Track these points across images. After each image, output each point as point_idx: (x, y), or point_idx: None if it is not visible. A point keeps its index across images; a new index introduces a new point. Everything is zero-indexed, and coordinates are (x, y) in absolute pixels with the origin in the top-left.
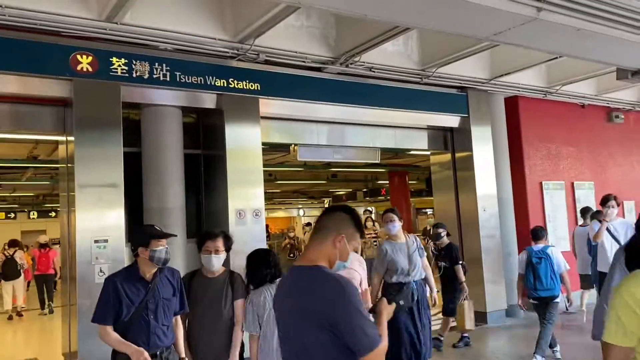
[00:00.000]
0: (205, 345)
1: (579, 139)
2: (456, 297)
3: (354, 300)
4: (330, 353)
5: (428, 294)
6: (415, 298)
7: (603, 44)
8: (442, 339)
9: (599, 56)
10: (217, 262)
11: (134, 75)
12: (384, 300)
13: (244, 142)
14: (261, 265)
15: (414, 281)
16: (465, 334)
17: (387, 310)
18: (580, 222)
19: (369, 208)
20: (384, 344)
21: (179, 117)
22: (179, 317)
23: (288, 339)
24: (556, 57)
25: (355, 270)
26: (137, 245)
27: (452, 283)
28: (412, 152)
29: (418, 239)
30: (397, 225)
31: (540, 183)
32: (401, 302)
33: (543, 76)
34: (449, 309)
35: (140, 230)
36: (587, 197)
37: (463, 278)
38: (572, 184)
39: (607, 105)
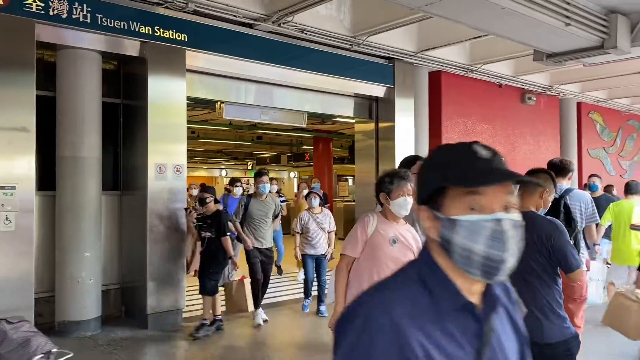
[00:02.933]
0: None
1: (494, 117)
2: (218, 273)
3: (566, 234)
4: (546, 270)
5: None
6: None
7: (524, 24)
8: (206, 322)
9: (520, 36)
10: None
11: (51, 13)
12: None
13: (167, 94)
14: None
15: None
16: (218, 316)
17: None
18: None
19: (264, 169)
20: (582, 267)
21: (98, 62)
22: None
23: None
24: (480, 36)
25: (411, 249)
26: (424, 193)
27: (217, 257)
28: (337, 119)
29: None
30: None
31: None
32: None
33: (466, 54)
34: (211, 287)
35: (445, 154)
36: None
37: (232, 252)
38: None
39: (522, 87)
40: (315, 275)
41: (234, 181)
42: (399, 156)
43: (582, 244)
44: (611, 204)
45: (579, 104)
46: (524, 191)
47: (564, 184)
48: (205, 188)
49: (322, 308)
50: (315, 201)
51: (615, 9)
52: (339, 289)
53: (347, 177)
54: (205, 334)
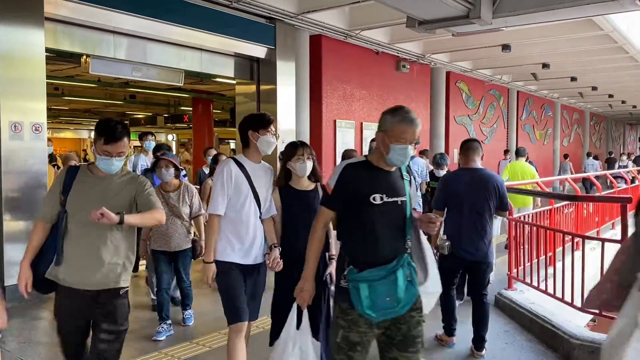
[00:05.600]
0: None
1: (370, 84)
2: None
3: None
4: (492, 209)
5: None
6: None
7: None
8: None
9: (394, 2)
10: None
11: None
12: None
13: (22, 45)
14: None
15: None
16: None
17: None
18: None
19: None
20: None
21: None
22: None
23: (473, 205)
24: (358, 1)
25: None
26: None
27: None
28: (217, 79)
29: None
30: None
31: (335, 121)
32: None
33: (346, 19)
34: None
35: None
36: (373, 137)
37: None
38: (362, 124)
39: (397, 55)
40: (173, 281)
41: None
42: (281, 120)
43: (420, 194)
44: (508, 164)
45: (447, 73)
46: (473, 155)
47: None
48: None
49: (188, 313)
50: (167, 173)
51: None
52: None
53: (229, 140)
54: None
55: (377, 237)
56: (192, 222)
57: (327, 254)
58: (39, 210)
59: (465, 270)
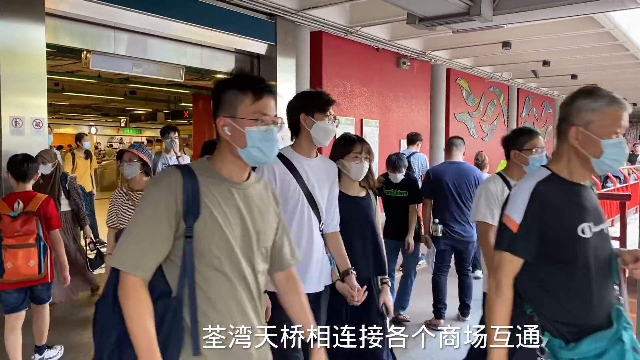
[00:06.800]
0: None
1: (370, 80)
2: None
3: None
4: (472, 197)
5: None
6: None
7: None
8: None
9: None
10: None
11: None
12: None
13: (23, 41)
14: None
15: None
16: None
17: None
18: None
19: None
20: None
21: None
22: None
23: (459, 194)
24: None
25: None
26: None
27: None
28: (218, 76)
29: None
30: None
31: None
32: None
33: (346, 15)
34: None
35: None
36: (373, 133)
37: None
38: (361, 120)
39: (398, 51)
40: None
41: None
42: (282, 117)
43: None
44: (502, 160)
45: (448, 70)
46: (455, 148)
47: (413, 149)
48: None
49: None
50: (130, 168)
51: None
52: None
53: None
54: None
55: (590, 287)
56: None
57: (378, 277)
58: (130, 261)
59: (453, 250)
